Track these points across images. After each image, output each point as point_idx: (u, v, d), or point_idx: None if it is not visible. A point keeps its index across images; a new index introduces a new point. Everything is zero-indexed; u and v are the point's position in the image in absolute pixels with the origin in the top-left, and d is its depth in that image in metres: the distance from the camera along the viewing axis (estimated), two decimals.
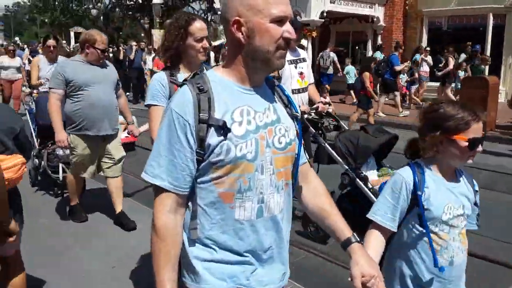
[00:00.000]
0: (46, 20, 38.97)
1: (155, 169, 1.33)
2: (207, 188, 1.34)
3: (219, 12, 19.22)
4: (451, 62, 12.34)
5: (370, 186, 3.30)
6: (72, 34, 32.96)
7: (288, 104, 1.48)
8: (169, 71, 2.57)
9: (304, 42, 17.40)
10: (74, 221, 4.42)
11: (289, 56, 8.69)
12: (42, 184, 5.42)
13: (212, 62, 13.74)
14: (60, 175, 4.96)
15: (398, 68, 11.65)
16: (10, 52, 10.67)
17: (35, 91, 6.32)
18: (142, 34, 31.15)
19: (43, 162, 5.09)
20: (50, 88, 4.10)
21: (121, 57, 16.08)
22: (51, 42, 6.40)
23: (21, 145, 2.36)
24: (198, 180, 1.35)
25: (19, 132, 2.35)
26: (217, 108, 1.30)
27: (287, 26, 1.30)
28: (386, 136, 3.41)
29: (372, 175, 3.44)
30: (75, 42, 29.82)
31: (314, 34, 14.51)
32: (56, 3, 36.02)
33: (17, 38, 37.65)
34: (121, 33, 34.98)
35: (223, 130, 1.28)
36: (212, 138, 1.29)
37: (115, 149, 4.30)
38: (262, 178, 1.35)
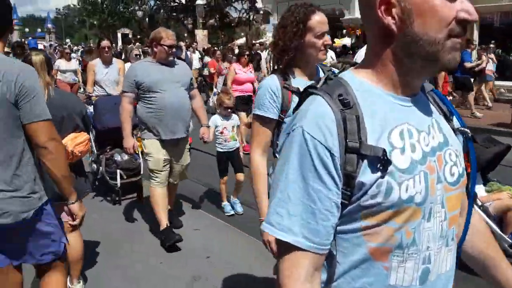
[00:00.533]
0: (95, 22, 40.49)
1: (283, 220, 0.92)
2: (352, 240, 0.95)
3: (261, 12, 19.28)
4: (484, 60, 11.58)
5: (480, 204, 3.00)
6: (119, 35, 34.13)
7: (451, 116, 1.08)
8: (281, 74, 2.10)
9: (347, 40, 17.17)
10: (168, 244, 3.84)
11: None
12: (99, 190, 5.27)
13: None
14: (118, 181, 4.78)
15: (469, 65, 10.56)
16: (66, 55, 10.61)
17: (92, 95, 6.09)
18: (186, 34, 31.71)
19: (101, 168, 4.92)
20: (122, 91, 3.96)
21: None
22: (105, 43, 6.20)
23: (86, 124, 3.01)
24: (339, 228, 0.96)
25: (84, 114, 3.01)
26: (370, 131, 0.92)
27: (464, 3, 0.89)
28: (499, 147, 3.12)
29: (480, 190, 3.13)
30: (122, 43, 30.84)
31: (358, 32, 14.26)
32: (104, 6, 37.32)
33: (68, 40, 39.29)
34: None
35: (382, 162, 0.89)
36: (366, 174, 0.90)
37: (185, 154, 4.12)
38: (429, 227, 0.96)
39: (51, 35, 56.36)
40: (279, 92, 2.05)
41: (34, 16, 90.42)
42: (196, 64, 14.51)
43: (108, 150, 5.03)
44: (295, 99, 1.97)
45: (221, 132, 4.58)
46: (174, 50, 3.89)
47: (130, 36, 34.50)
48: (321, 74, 2.11)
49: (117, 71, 6.28)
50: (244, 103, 7.31)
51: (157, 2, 30.19)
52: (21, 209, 1.95)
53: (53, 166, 2.02)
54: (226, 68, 8.99)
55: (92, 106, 5.70)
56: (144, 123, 3.86)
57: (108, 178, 4.80)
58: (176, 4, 29.43)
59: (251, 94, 7.59)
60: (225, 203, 4.80)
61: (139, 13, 30.82)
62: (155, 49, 3.82)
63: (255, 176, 2.09)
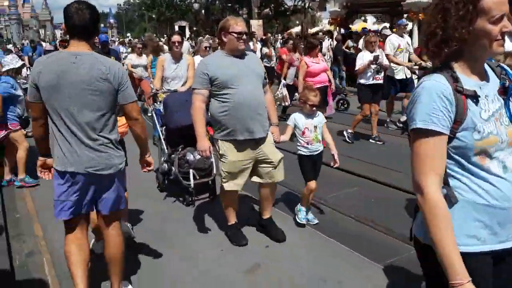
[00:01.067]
0: (153, 16, 41.64)
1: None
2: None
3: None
4: None
5: None
6: (176, 27, 34.89)
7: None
8: (449, 73, 1.55)
9: (409, 25, 16.37)
10: (233, 244, 3.85)
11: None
12: (171, 190, 5.11)
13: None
14: (191, 182, 4.54)
15: None
16: (138, 50, 10.40)
17: (159, 91, 5.69)
18: None
19: (173, 168, 4.71)
20: (193, 88, 3.57)
21: None
22: (176, 37, 5.68)
23: None
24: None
25: None
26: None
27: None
28: None
29: None
30: (171, 37, 31.46)
31: (421, 16, 13.53)
32: None
33: (128, 34, 40.74)
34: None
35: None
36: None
37: (272, 151, 3.68)
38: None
39: (113, 30, 58.70)
40: (453, 98, 1.51)
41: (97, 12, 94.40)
42: (258, 54, 13.56)
43: (180, 150, 4.83)
44: (472, 107, 1.52)
45: (303, 133, 4.00)
46: (245, 37, 3.49)
47: (187, 28, 35.22)
48: (490, 73, 1.66)
49: (185, 67, 5.86)
50: (321, 95, 7.00)
51: None
52: (117, 161, 2.76)
53: (141, 131, 2.89)
54: (298, 59, 8.66)
55: (158, 102, 5.49)
56: (218, 122, 3.55)
57: (181, 179, 4.57)
58: None
59: (327, 84, 7.36)
60: (300, 208, 4.21)
61: (195, 6, 31.27)
62: (224, 39, 3.48)
63: (434, 219, 1.48)
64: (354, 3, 16.19)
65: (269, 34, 18.39)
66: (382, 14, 21.65)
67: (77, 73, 2.55)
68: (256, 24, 17.95)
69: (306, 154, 4.03)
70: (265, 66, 12.47)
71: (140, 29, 59.21)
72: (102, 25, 66.57)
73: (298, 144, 4.06)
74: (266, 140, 3.65)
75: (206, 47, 7.60)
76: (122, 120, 3.41)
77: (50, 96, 2.57)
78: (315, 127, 4.00)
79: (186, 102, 4.34)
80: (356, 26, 17.70)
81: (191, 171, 4.58)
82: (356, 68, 7.08)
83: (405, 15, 17.18)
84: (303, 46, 8.68)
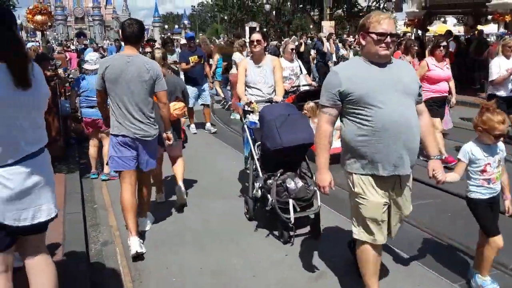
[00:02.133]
0: (225, 17, 42.50)
1: None
2: None
3: (393, 0, 18.21)
4: None
5: None
6: (247, 28, 35.32)
7: None
8: None
9: (493, 27, 15.31)
10: None
11: None
12: (261, 219, 4.35)
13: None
14: (292, 215, 3.74)
15: None
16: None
17: (253, 99, 4.66)
18: (311, 26, 31.52)
19: (269, 197, 3.90)
20: (321, 106, 2.75)
21: (301, 49, 13.77)
22: (256, 35, 4.81)
23: (184, 97, 4.79)
24: None
25: (183, 90, 4.81)
26: None
27: None
28: None
29: None
30: (250, 36, 31.87)
31: (508, 18, 12.59)
32: (234, 1, 38.89)
33: (200, 34, 41.82)
34: (291, 25, 36.00)
35: None
36: None
37: (407, 200, 2.86)
38: None
39: (186, 30, 60.76)
40: None
41: (172, 13, 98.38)
42: (334, 57, 13.07)
43: (278, 175, 4.01)
44: None
45: (483, 171, 2.95)
46: (389, 39, 2.57)
47: (257, 29, 35.56)
48: None
49: (270, 70, 4.85)
50: (439, 106, 5.97)
51: None
52: (154, 132, 3.83)
53: (166, 112, 3.97)
54: (410, 62, 7.40)
55: (251, 114, 4.56)
56: (353, 150, 2.68)
57: (279, 211, 3.77)
58: None
59: (446, 95, 6.11)
60: (482, 281, 3.05)
61: (267, 7, 31.46)
62: (362, 41, 2.66)
63: None
64: (434, 4, 15.40)
65: (348, 36, 17.83)
66: (464, 16, 20.43)
67: (130, 69, 3.63)
68: (328, 25, 17.64)
69: (485, 197, 2.98)
70: None
71: (212, 30, 60.69)
72: (176, 26, 69.21)
73: (472, 184, 3.00)
74: (408, 179, 2.81)
75: (292, 49, 7.03)
76: (177, 105, 4.50)
77: (113, 85, 3.65)
78: (499, 161, 3.00)
79: (288, 116, 3.87)
80: (435, 28, 16.88)
81: (290, 201, 3.82)
82: (493, 78, 6.19)
83: (489, 17, 16.11)
84: (416, 48, 7.58)
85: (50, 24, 10.63)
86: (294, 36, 16.09)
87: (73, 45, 25.22)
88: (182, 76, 8.77)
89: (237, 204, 4.80)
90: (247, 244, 3.93)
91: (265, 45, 4.88)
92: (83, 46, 16.17)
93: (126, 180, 3.83)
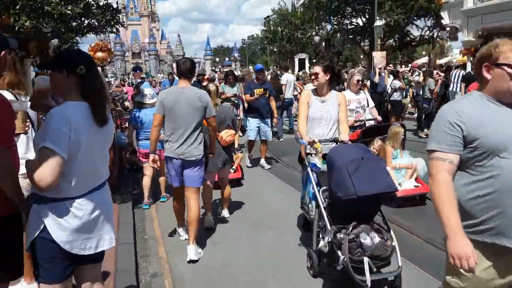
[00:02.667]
0: (274, 49, 43.16)
1: None
2: None
3: (447, 28, 17.76)
4: None
5: None
6: (296, 60, 35.65)
7: None
8: None
9: None
10: None
11: None
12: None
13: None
14: (367, 277, 3.17)
15: None
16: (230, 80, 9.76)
17: (316, 139, 4.07)
18: (361, 56, 31.30)
19: (340, 253, 3.33)
20: (436, 151, 2.12)
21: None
22: (317, 69, 4.39)
23: (234, 125, 5.33)
24: None
25: (233, 119, 5.38)
26: None
27: None
28: None
29: None
30: (299, 69, 32.11)
31: None
32: (284, 33, 39.49)
33: (250, 67, 42.70)
34: (340, 56, 35.93)
35: None
36: None
37: None
38: None
39: (236, 63, 62.25)
40: None
41: (223, 46, 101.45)
42: (397, 83, 12.01)
43: (351, 228, 3.42)
44: None
45: None
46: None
47: (306, 60, 35.77)
48: None
49: (335, 106, 4.35)
50: None
51: (334, 26, 30.53)
52: (199, 153, 4.34)
53: (214, 135, 4.57)
54: None
55: (313, 155, 4.04)
56: (467, 210, 2.07)
57: (353, 272, 3.22)
58: (353, 26, 29.30)
59: None
60: None
61: (316, 38, 31.63)
62: (486, 74, 2.10)
63: None
64: (492, 31, 14.84)
65: (400, 66, 17.42)
66: None
67: (184, 98, 4.26)
68: (379, 56, 17.37)
69: None
70: (395, 101, 11.76)
71: (262, 62, 61.82)
72: (227, 58, 71.11)
73: None
74: None
75: (358, 81, 6.41)
76: (229, 132, 5.13)
77: (170, 112, 4.28)
78: None
79: (362, 161, 3.37)
80: None
81: (366, 260, 3.26)
82: None
83: None
84: None
85: (109, 60, 11.19)
86: (360, 67, 15.47)
87: (129, 79, 26.47)
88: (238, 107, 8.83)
89: (287, 238, 4.70)
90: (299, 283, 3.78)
91: (328, 78, 4.34)
92: (139, 80, 16.89)
93: (176, 195, 4.66)
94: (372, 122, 6.40)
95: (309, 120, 4.36)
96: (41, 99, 2.53)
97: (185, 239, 4.61)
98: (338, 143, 4.16)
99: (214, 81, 12.58)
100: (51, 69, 2.30)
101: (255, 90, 8.15)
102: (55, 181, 2.07)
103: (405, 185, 5.69)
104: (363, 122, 6.29)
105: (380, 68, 11.92)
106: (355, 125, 6.14)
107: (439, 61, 19.26)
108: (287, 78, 12.21)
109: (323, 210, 3.68)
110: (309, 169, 4.08)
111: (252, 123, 8.09)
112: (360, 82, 6.53)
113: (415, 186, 5.71)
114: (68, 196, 2.21)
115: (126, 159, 7.74)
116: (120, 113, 7.99)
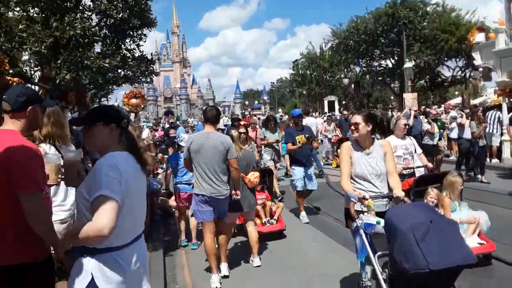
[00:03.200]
0: (303, 92, 43.61)
1: None
2: None
3: (480, 69, 17.55)
4: None
5: None
6: (325, 102, 35.81)
7: None
8: None
9: None
10: None
11: None
12: None
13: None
14: None
15: None
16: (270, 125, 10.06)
17: (367, 195, 3.60)
18: (392, 97, 31.16)
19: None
20: None
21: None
22: (355, 118, 3.93)
23: (257, 167, 5.92)
24: None
25: (256, 163, 6.35)
26: None
27: None
28: None
29: None
30: (328, 111, 32.17)
31: None
32: (312, 76, 39.99)
33: (280, 110, 43.17)
34: (370, 98, 35.88)
35: None
36: None
37: None
38: None
39: (266, 106, 63.09)
40: None
41: (252, 90, 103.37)
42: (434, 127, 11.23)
43: None
44: None
45: None
46: None
47: (336, 102, 35.87)
48: None
49: (381, 157, 3.89)
50: None
51: (363, 68, 30.72)
52: (225, 192, 4.79)
53: (236, 174, 4.91)
54: None
55: (365, 214, 3.50)
56: None
57: None
58: (382, 68, 29.43)
59: None
60: None
61: (345, 81, 31.83)
62: None
63: None
64: None
65: (429, 108, 17.05)
66: None
67: (209, 142, 4.77)
68: (410, 98, 17.25)
69: None
70: (426, 144, 11.35)
71: (291, 104, 62.37)
72: (256, 101, 72.26)
73: None
74: None
75: (405, 125, 5.98)
76: (255, 174, 5.40)
77: (196, 155, 4.79)
78: None
79: (431, 225, 2.80)
80: None
81: None
82: None
83: None
84: None
85: (143, 106, 11.55)
86: (406, 110, 14.73)
87: (161, 123, 27.16)
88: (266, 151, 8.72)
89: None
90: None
91: (370, 128, 3.85)
92: (169, 124, 17.26)
93: (207, 230, 4.92)
94: (422, 170, 5.92)
95: (355, 177, 3.86)
96: (74, 172, 2.61)
97: (216, 287, 4.71)
98: (393, 200, 3.70)
99: (255, 125, 12.55)
100: (95, 123, 2.33)
101: (296, 138, 7.52)
102: (115, 226, 2.08)
103: (468, 242, 4.88)
104: (412, 170, 5.79)
105: (415, 110, 11.62)
106: (404, 173, 5.56)
107: (473, 101, 18.89)
108: (307, 121, 12.04)
109: (383, 283, 3.04)
110: (361, 230, 3.48)
111: (298, 173, 7.48)
112: (407, 127, 6.01)
113: (479, 244, 4.94)
114: (114, 246, 2.20)
115: (157, 205, 7.77)
116: (153, 158, 8.12)
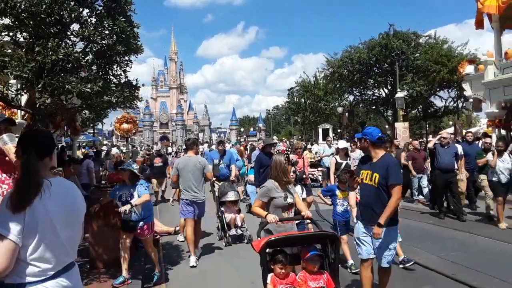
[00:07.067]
0: (298, 120, 43.80)
1: None
2: None
3: (470, 100, 17.72)
4: None
5: None
6: (320, 130, 35.93)
7: None
8: None
9: None
10: None
11: None
12: None
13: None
14: None
15: None
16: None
17: None
18: (387, 126, 31.35)
19: None
20: None
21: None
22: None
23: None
24: None
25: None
26: None
27: None
28: None
29: None
30: (323, 139, 32.25)
31: None
32: (307, 104, 40.23)
33: (275, 137, 43.34)
34: (364, 126, 36.05)
35: None
36: None
37: None
38: None
39: (261, 133, 63.32)
40: None
41: (248, 116, 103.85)
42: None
43: None
44: None
45: None
46: None
47: (330, 130, 36.01)
48: None
49: None
50: None
51: (356, 97, 31.01)
52: (202, 197, 6.93)
53: (210, 178, 7.47)
54: None
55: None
56: None
57: None
58: (375, 97, 29.69)
59: None
60: None
61: (339, 109, 32.09)
62: None
63: None
64: None
65: (427, 137, 17.21)
66: None
67: (190, 163, 6.80)
68: (402, 127, 17.35)
69: None
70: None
71: (286, 132, 62.70)
72: (252, 128, 72.56)
73: None
74: None
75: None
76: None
77: (182, 172, 6.81)
78: None
79: None
80: None
81: None
82: None
83: None
84: None
85: (134, 131, 11.51)
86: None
87: (160, 149, 27.03)
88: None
89: None
90: None
91: None
92: (156, 152, 17.10)
93: (188, 224, 6.75)
94: None
95: None
96: None
97: (192, 266, 6.50)
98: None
99: (254, 150, 13.82)
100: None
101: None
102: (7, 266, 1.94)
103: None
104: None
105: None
106: None
107: (465, 132, 18.97)
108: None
109: None
110: None
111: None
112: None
113: None
114: (28, 281, 2.03)
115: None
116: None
